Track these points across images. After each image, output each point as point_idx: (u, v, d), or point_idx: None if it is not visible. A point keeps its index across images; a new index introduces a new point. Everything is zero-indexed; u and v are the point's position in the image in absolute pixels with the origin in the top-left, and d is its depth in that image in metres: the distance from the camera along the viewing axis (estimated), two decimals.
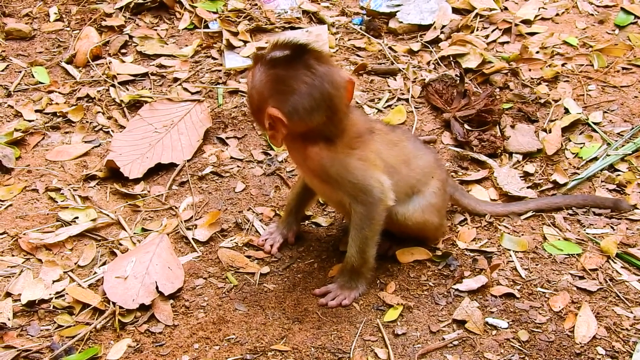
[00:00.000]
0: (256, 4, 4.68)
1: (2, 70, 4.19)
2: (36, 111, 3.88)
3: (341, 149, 2.68)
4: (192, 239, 3.16)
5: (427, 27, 4.44)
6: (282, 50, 2.58)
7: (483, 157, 3.54)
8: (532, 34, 4.39)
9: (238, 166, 3.54)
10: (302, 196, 3.14)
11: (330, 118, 2.61)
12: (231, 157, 3.60)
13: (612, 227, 3.18)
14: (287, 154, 3.57)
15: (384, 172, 2.77)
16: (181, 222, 3.23)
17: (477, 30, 4.41)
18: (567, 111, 3.79)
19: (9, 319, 2.77)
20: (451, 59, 4.18)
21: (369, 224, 2.78)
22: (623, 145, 3.57)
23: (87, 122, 3.82)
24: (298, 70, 2.55)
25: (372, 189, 2.73)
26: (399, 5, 4.59)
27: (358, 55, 4.27)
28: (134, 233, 3.19)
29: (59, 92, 4.01)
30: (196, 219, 3.26)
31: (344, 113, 2.65)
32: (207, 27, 4.49)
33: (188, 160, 3.57)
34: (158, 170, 3.53)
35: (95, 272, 3.00)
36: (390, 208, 2.81)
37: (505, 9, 4.60)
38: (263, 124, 2.64)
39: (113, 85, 4.03)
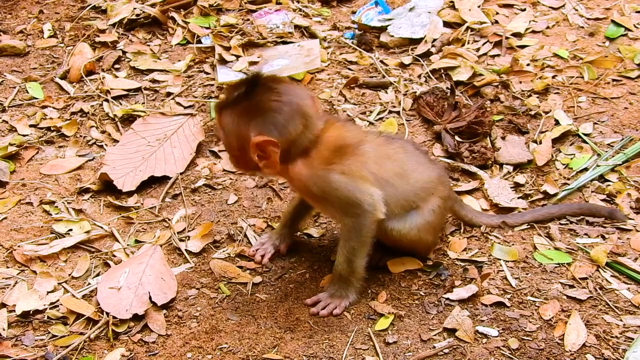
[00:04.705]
0: (248, 19, 4.72)
1: None
2: (30, 126, 3.90)
3: (318, 163, 2.72)
4: (185, 250, 3.17)
5: (418, 41, 4.47)
6: (237, 89, 2.67)
7: (474, 169, 3.56)
8: (522, 46, 4.42)
9: (230, 178, 3.56)
10: (298, 211, 3.16)
11: (306, 126, 2.68)
12: (223, 170, 3.61)
13: (603, 237, 3.20)
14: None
15: (373, 185, 2.78)
16: (174, 233, 3.25)
17: (468, 43, 4.44)
18: (557, 122, 3.82)
19: (3, 329, 2.79)
20: (442, 71, 4.20)
21: (356, 236, 2.80)
22: (613, 156, 3.59)
23: (80, 136, 3.85)
24: (262, 94, 2.64)
25: (361, 202, 2.74)
26: (390, 19, 4.62)
27: (350, 69, 4.29)
28: (128, 245, 3.21)
29: (53, 107, 4.03)
30: (189, 231, 3.28)
31: (316, 118, 2.72)
32: (199, 42, 4.52)
33: (181, 173, 3.59)
34: (151, 183, 3.55)
35: (89, 283, 3.02)
36: (386, 223, 2.85)
37: (496, 22, 4.64)
38: (250, 162, 2.70)
39: (106, 100, 4.05)
